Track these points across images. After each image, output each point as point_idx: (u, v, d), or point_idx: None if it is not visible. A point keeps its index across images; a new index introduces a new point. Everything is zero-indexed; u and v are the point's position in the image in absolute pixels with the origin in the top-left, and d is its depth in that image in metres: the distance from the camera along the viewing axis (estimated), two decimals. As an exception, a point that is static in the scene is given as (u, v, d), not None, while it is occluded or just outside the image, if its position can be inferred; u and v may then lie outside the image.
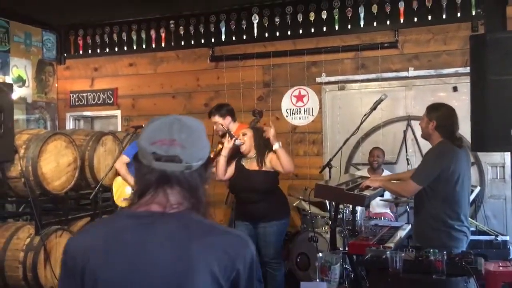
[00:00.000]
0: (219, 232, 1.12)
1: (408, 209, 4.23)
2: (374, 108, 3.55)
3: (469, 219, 3.87)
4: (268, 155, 3.50)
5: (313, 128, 5.40)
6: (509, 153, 3.99)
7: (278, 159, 3.37)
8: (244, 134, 3.53)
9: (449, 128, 2.96)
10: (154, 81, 5.93)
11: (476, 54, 2.45)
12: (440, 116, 2.96)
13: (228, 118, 3.96)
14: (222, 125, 3.84)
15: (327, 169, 3.74)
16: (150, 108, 5.86)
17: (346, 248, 3.17)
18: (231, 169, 3.61)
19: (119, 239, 1.09)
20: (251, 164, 3.56)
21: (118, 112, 6.06)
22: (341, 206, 4.10)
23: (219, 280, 1.08)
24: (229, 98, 5.54)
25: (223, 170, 3.54)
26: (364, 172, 4.72)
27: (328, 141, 5.34)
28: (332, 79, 5.30)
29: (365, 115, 3.46)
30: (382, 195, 3.71)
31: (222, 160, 3.50)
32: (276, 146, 3.36)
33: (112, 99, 6.10)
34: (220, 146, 3.79)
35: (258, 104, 5.51)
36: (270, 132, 3.35)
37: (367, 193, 2.99)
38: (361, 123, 3.48)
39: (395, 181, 3.24)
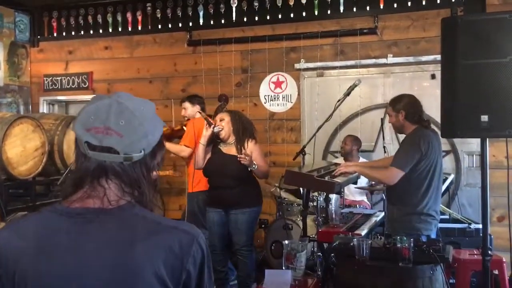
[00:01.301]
0: (165, 228, 1.03)
1: (384, 197, 4.20)
2: (347, 94, 3.51)
3: (442, 206, 3.92)
4: (249, 144, 3.49)
5: (291, 115, 5.37)
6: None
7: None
8: (221, 120, 3.50)
9: (417, 114, 3.02)
10: (130, 65, 5.85)
11: (447, 37, 2.40)
12: (406, 105, 3.03)
13: (196, 107, 4.20)
14: (185, 109, 4.16)
15: (301, 157, 3.72)
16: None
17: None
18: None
19: (52, 242, 1.00)
20: (229, 149, 3.54)
21: (93, 97, 5.95)
22: (315, 193, 4.07)
23: (167, 284, 1.00)
24: (206, 83, 5.49)
25: (202, 158, 3.52)
26: (340, 160, 4.73)
27: (306, 128, 5.32)
28: (311, 65, 5.27)
29: (338, 100, 3.45)
30: (355, 182, 3.67)
31: (200, 148, 3.49)
32: (252, 168, 3.35)
33: (87, 83, 5.99)
34: (179, 126, 4.11)
35: (236, 90, 5.47)
36: (246, 161, 3.32)
37: (338, 180, 2.95)
38: (335, 109, 3.45)
39: (375, 167, 3.25)
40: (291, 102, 5.37)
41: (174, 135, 4.23)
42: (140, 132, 1.04)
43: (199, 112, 3.86)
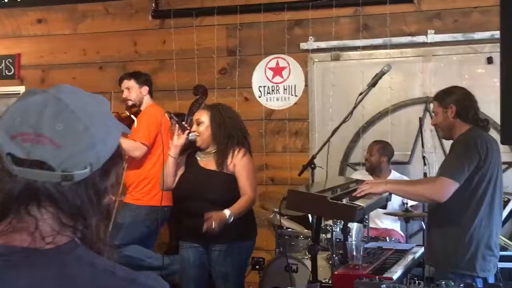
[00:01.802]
0: (121, 281, 1.02)
1: (424, 225, 4.20)
2: (373, 84, 3.48)
3: (503, 238, 3.97)
4: (236, 156, 3.48)
5: (296, 113, 5.36)
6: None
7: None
8: (199, 123, 3.51)
9: (472, 110, 3.11)
10: (73, 45, 5.83)
11: (509, 11, 2.37)
12: (458, 98, 3.10)
13: (145, 89, 4.45)
14: (128, 90, 4.40)
15: (310, 171, 3.68)
16: (66, 83, 5.55)
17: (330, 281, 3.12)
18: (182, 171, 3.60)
19: None
20: (207, 162, 3.55)
21: (21, 89, 5.95)
22: (329, 222, 4.11)
23: None
24: (179, 70, 5.53)
25: (173, 175, 3.53)
26: (363, 175, 4.66)
27: (316, 131, 5.34)
28: (323, 45, 5.26)
29: (361, 93, 3.41)
30: (384, 206, 3.61)
31: (170, 162, 3.50)
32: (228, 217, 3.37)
33: (13, 70, 5.99)
34: (125, 113, 4.32)
35: (220, 80, 5.50)
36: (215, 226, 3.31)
37: (361, 203, 2.91)
38: (355, 105, 3.42)
39: (413, 180, 3.32)
40: (296, 96, 5.39)
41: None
42: (86, 140, 1.04)
43: (168, 113, 3.91)
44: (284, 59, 5.37)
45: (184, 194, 3.54)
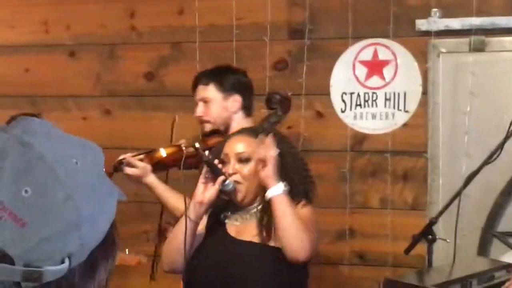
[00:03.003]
0: None
1: None
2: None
3: None
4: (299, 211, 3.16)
5: (405, 142, 4.23)
6: None
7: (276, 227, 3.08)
8: (242, 160, 3.06)
9: None
10: (25, 15, 4.77)
11: None
12: None
13: (235, 100, 3.58)
14: (205, 103, 3.61)
15: (426, 245, 3.36)
16: (11, 77, 4.75)
17: None
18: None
19: None
20: (241, 228, 3.10)
21: None
22: None
23: None
24: (205, 61, 4.35)
25: (186, 249, 2.97)
26: None
27: (440, 175, 4.15)
28: (456, 24, 4.06)
29: None
30: None
31: (187, 227, 3.00)
32: (273, 192, 2.97)
33: None
34: (196, 145, 3.53)
35: (276, 79, 4.29)
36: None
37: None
38: (509, 134, 3.13)
39: None
40: (406, 112, 4.18)
41: (175, 162, 3.64)
42: (66, 216, 0.87)
43: (196, 146, 3.36)
44: (388, 47, 4.22)
45: (203, 278, 3.10)
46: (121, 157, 3.37)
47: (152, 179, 3.43)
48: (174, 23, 4.50)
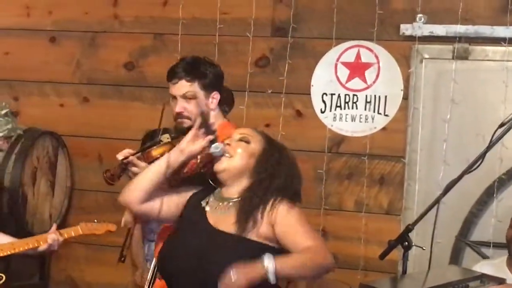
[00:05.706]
0: None
1: None
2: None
3: None
4: (275, 208, 2.87)
5: (384, 146, 4.31)
6: None
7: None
8: (241, 140, 2.99)
9: None
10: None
11: None
12: None
13: (214, 97, 3.49)
14: (187, 99, 3.48)
15: (401, 251, 3.16)
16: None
17: None
18: (175, 204, 3.05)
19: None
20: (222, 217, 2.96)
21: None
22: None
23: None
24: (186, 53, 4.25)
25: (144, 192, 2.96)
26: (495, 266, 3.82)
27: (417, 181, 4.24)
28: (440, 30, 4.16)
29: (502, 124, 2.91)
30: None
31: (154, 172, 3.00)
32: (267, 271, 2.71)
33: None
34: (166, 140, 3.45)
35: (257, 76, 4.36)
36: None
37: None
38: (491, 143, 2.95)
39: None
40: (386, 116, 4.26)
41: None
42: None
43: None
44: (371, 50, 4.30)
45: (175, 268, 2.99)
46: (120, 156, 3.32)
47: None
48: (158, 13, 4.52)
